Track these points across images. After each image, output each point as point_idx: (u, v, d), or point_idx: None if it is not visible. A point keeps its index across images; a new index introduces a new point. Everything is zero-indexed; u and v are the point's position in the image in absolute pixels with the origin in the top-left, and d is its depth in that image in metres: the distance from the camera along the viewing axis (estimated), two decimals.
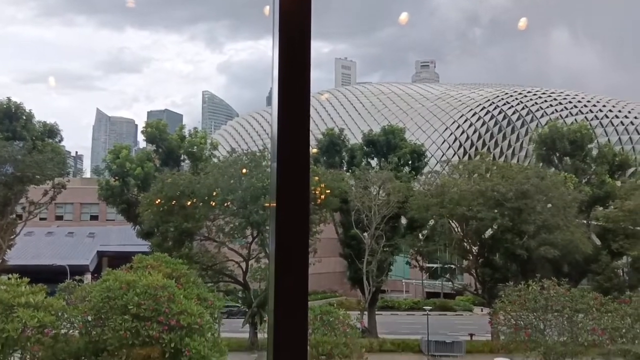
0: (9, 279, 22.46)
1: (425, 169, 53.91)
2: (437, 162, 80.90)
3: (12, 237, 45.00)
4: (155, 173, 45.81)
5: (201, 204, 38.72)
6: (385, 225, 45.01)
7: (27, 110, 47.49)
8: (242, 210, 38.98)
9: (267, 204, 38.60)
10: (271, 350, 1.87)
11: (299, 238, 1.93)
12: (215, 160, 49.52)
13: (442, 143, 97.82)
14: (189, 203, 38.42)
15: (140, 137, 57.08)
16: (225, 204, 39.47)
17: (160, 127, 50.35)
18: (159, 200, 38.80)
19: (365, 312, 46.95)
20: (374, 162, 53.06)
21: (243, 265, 41.23)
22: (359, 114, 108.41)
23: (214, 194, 38.67)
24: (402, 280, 66.40)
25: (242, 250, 41.19)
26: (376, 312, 49.03)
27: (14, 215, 45.48)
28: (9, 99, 47.19)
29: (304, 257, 1.93)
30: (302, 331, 1.89)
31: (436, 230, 45.73)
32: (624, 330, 28.05)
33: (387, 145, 51.85)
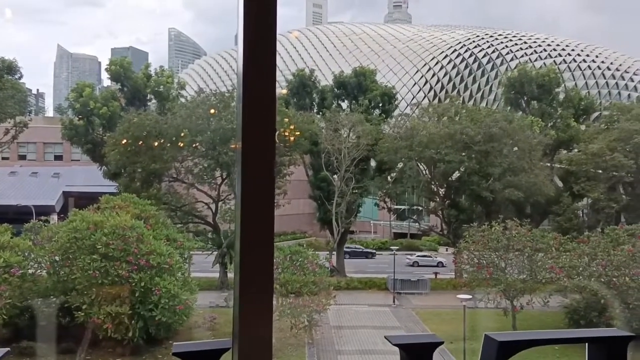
0: None
1: (396, 112, 53.93)
2: (408, 105, 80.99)
3: None
4: (121, 113, 44.77)
5: (169, 144, 38.20)
6: (355, 167, 45.32)
7: None
8: (211, 151, 38.63)
9: (233, 146, 38.28)
10: (237, 288, 1.88)
11: (265, 179, 1.90)
12: (182, 100, 48.58)
13: (413, 86, 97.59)
14: (156, 144, 37.85)
15: (104, 75, 55.39)
16: (194, 145, 39.03)
17: (125, 65, 48.81)
18: (125, 141, 38.09)
19: (334, 252, 47.93)
20: (344, 105, 52.79)
21: (212, 206, 41.26)
22: (330, 54, 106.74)
23: (182, 134, 38.12)
24: (371, 221, 67.57)
25: (211, 192, 41.10)
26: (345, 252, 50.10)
27: None
28: None
29: (269, 197, 1.91)
30: (268, 270, 1.90)
31: (404, 173, 46.30)
32: (580, 269, 29.36)
33: (358, 87, 51.49)
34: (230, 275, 39.43)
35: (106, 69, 49.93)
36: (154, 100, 49.33)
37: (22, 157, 61.73)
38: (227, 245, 39.26)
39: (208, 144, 38.75)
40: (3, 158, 52.50)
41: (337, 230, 46.30)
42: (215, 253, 40.24)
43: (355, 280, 44.18)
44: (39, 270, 22.94)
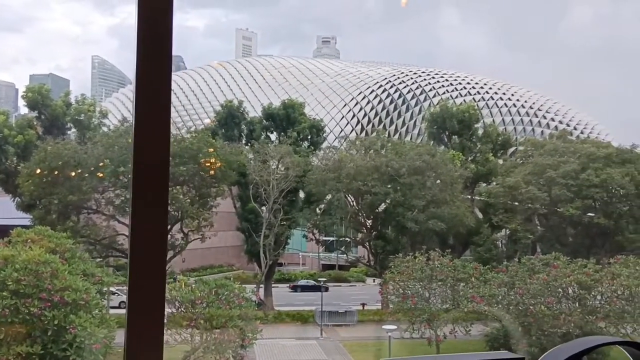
0: None
1: (324, 144, 54.67)
2: (336, 137, 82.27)
3: None
4: (37, 141, 42.76)
5: (87, 175, 36.75)
6: (284, 199, 45.30)
7: None
8: None
9: None
10: (126, 324, 1.81)
11: (157, 213, 1.85)
12: (105, 129, 47.06)
13: (341, 119, 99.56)
14: (73, 174, 36.32)
15: (21, 102, 52.94)
16: (117, 176, 37.74)
17: (43, 92, 46.90)
18: (40, 171, 36.33)
19: (262, 285, 47.29)
20: (273, 136, 52.95)
21: None
22: (259, 86, 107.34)
23: (101, 164, 36.81)
24: (299, 253, 67.42)
25: None
26: (272, 285, 49.53)
27: None
28: None
29: (162, 232, 1.86)
30: (159, 309, 1.83)
31: (333, 204, 46.77)
32: (500, 297, 30.47)
33: (286, 119, 51.88)
34: None
35: (23, 96, 47.78)
36: (73, 129, 47.51)
37: None
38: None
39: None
40: None
41: (265, 263, 45.81)
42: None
43: (283, 314, 43.69)
44: None
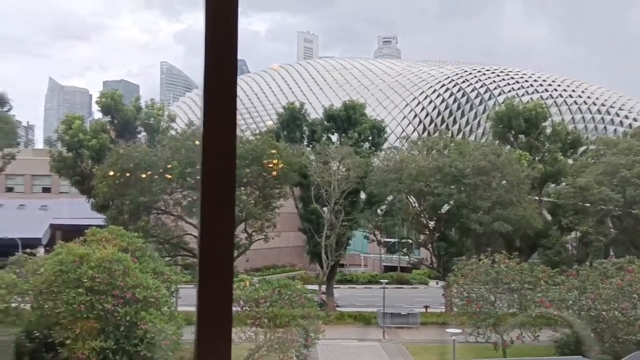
0: None
1: (385, 145, 54.33)
2: (397, 138, 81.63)
3: None
4: (110, 145, 44.72)
5: (157, 177, 38.08)
6: (345, 200, 45.34)
7: None
8: None
9: None
10: (196, 334, 1.87)
11: (225, 215, 1.91)
12: (173, 132, 48.65)
13: (402, 119, 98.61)
14: (144, 176, 37.73)
15: (95, 108, 55.60)
16: (184, 178, 38.92)
17: (116, 98, 49.02)
18: (113, 173, 37.96)
19: (324, 286, 47.53)
20: (334, 137, 53.09)
21: None
22: (321, 88, 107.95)
23: (171, 167, 38.06)
24: (360, 254, 67.26)
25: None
26: (334, 286, 49.68)
27: None
28: None
29: (229, 237, 1.92)
30: (227, 308, 1.89)
31: (394, 206, 46.35)
32: (570, 302, 29.25)
33: (347, 120, 51.90)
34: None
35: (97, 102, 50.10)
36: (143, 133, 49.41)
37: (10, 190, 61.31)
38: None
39: (198, 176, 38.61)
40: None
41: (326, 264, 46.00)
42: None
43: (345, 315, 43.72)
44: (22, 304, 22.51)
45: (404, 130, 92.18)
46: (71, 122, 47.47)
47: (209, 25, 1.93)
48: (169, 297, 25.21)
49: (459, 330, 29.17)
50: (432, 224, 47.36)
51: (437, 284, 53.03)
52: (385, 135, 55.72)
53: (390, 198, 47.09)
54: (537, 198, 48.86)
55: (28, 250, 31.50)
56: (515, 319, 29.63)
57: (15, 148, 47.10)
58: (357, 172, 44.75)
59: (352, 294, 54.09)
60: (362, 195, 49.24)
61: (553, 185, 51.40)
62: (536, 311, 29.38)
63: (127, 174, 37.62)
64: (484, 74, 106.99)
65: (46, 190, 62.35)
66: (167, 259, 36.96)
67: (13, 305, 21.64)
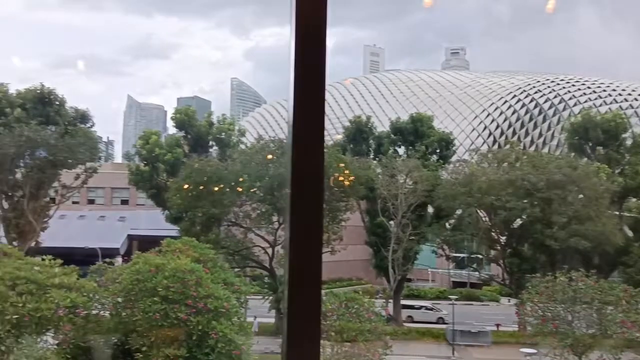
0: (42, 260, 23.09)
1: (454, 158, 53.36)
2: (466, 150, 79.82)
3: (45, 219, 46.20)
4: (184, 159, 46.39)
5: (228, 190, 39.09)
6: (412, 213, 44.80)
7: (60, 96, 48.43)
8: (269, 196, 39.23)
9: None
10: (285, 334, 1.92)
11: (314, 225, 1.96)
12: (242, 146, 49.88)
13: (472, 131, 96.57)
14: (216, 189, 38.82)
15: (170, 123, 57.93)
16: (252, 190, 39.77)
17: (190, 114, 50.90)
18: (187, 186, 39.30)
19: (391, 300, 47.01)
20: (401, 150, 52.74)
21: (269, 251, 41.59)
22: (387, 101, 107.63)
23: (241, 180, 38.99)
24: (428, 269, 66.08)
25: (268, 237, 41.52)
26: (401, 301, 49.02)
27: (48, 199, 46.65)
28: (42, 84, 48.16)
29: (317, 243, 1.97)
30: (316, 317, 1.93)
31: (463, 220, 45.33)
32: None
33: (414, 133, 51.44)
34: None
35: (172, 118, 52.21)
36: (215, 147, 50.93)
37: (91, 202, 64.68)
38: (283, 290, 39.26)
39: (266, 189, 39.42)
40: (73, 202, 55.12)
41: (393, 278, 45.51)
42: (271, 298, 40.28)
43: (413, 330, 43.00)
44: (102, 312, 23.54)
45: (472, 143, 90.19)
46: (148, 137, 49.66)
47: (298, 40, 2.00)
48: (238, 307, 25.66)
49: (534, 351, 28.05)
50: (503, 239, 45.90)
51: (509, 301, 51.19)
52: (453, 148, 54.78)
53: (459, 212, 46.11)
54: (617, 213, 46.35)
55: (107, 260, 33.06)
56: (594, 340, 28.14)
57: (97, 162, 49.66)
58: (424, 185, 44.17)
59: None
60: (430, 209, 48.48)
61: (634, 199, 48.66)
62: (617, 332, 27.80)
63: (200, 187, 38.84)
64: (558, 83, 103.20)
65: (124, 202, 65.40)
66: (236, 270, 37.73)
67: (94, 312, 22.64)
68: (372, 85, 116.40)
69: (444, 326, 43.28)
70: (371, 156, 52.34)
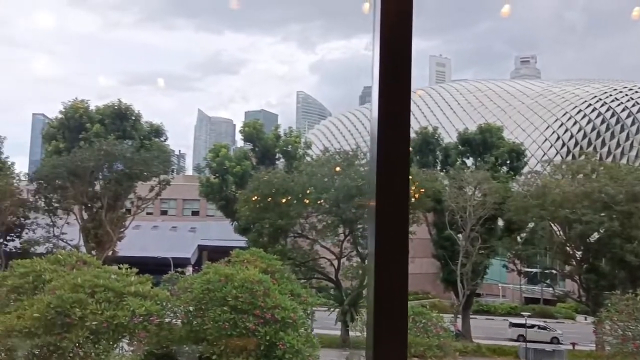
0: (119, 268, 24.07)
1: (525, 169, 51.63)
2: (538, 162, 77.23)
3: (121, 229, 48.27)
4: (252, 171, 47.33)
5: (295, 201, 39.48)
6: (481, 227, 43.63)
7: (136, 111, 50.72)
8: (335, 208, 39.31)
9: (361, 203, 38.66)
10: (371, 348, 1.90)
11: (399, 237, 1.94)
12: (308, 159, 50.35)
13: (544, 142, 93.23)
14: (283, 200, 39.32)
15: (238, 136, 59.30)
16: (319, 202, 40.00)
17: (257, 127, 51.99)
18: (255, 198, 40.03)
19: (459, 316, 45.84)
20: (469, 162, 51.63)
21: (335, 262, 41.59)
22: (454, 112, 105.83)
23: (308, 192, 39.30)
24: (499, 284, 64.04)
25: (334, 248, 41.56)
26: (470, 316, 47.69)
27: (124, 210, 48.78)
28: (119, 100, 50.64)
29: (403, 256, 1.94)
30: (402, 331, 1.90)
31: (536, 234, 43.72)
32: None
33: (483, 144, 50.24)
34: (352, 333, 39.05)
35: (240, 131, 53.49)
36: (282, 159, 51.69)
37: (164, 213, 67.11)
38: (349, 302, 39.12)
39: (332, 201, 39.55)
40: (147, 213, 57.31)
41: (462, 292, 44.39)
42: (337, 310, 40.20)
43: (482, 347, 41.71)
44: (174, 320, 24.22)
45: (545, 154, 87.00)
46: (218, 150, 51.07)
47: (383, 52, 1.99)
48: (305, 319, 25.75)
49: None
50: (579, 254, 43.84)
51: (585, 319, 48.76)
52: (524, 159, 53.05)
53: (531, 225, 44.50)
54: None
55: (179, 269, 34.11)
56: None
57: (169, 175, 51.52)
58: (494, 197, 42.96)
59: (489, 326, 51.48)
60: (500, 222, 47.06)
61: None
62: None
63: (268, 199, 39.46)
64: (637, 91, 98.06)
65: (195, 213, 67.46)
66: (302, 281, 37.96)
67: (166, 320, 23.33)
68: (438, 95, 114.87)
69: (516, 344, 41.69)
70: (438, 168, 51.50)
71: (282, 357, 21.82)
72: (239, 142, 61.09)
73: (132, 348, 22.35)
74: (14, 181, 47.45)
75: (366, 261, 41.38)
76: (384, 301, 1.90)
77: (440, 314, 31.53)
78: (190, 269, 48.11)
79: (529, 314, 45.16)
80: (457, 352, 28.86)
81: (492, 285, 62.93)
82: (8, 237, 45.87)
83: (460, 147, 51.82)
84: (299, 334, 23.05)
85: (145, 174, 45.94)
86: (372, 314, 1.91)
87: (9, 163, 51.39)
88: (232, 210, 46.20)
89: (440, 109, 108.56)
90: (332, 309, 40.50)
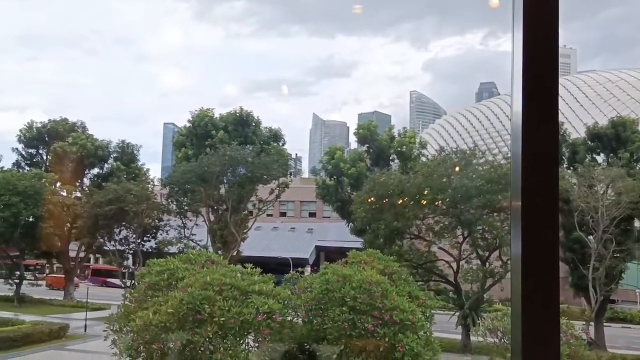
0: (244, 268, 25.21)
1: None
2: None
3: (245, 231, 50.63)
4: (366, 172, 47.51)
5: (411, 202, 39.03)
6: (615, 228, 40.36)
7: (256, 117, 52.96)
8: (452, 209, 38.31)
9: (479, 204, 37.36)
10: (519, 355, 1.81)
11: (549, 239, 1.83)
12: (424, 159, 49.56)
13: None
14: (399, 202, 39.02)
15: (352, 138, 59.87)
16: (435, 203, 39.22)
17: (371, 129, 52.12)
18: (370, 199, 40.11)
19: (591, 323, 42.72)
20: (599, 158, 48.03)
21: (454, 265, 40.53)
22: (581, 105, 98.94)
23: (424, 192, 38.68)
24: (636, 290, 58.84)
25: (452, 250, 40.51)
26: (604, 324, 44.26)
27: (246, 212, 51.13)
28: (241, 108, 53.20)
29: (554, 260, 1.83)
30: (554, 339, 1.80)
31: None
32: None
33: (616, 139, 46.51)
34: (473, 338, 37.80)
35: (354, 133, 53.94)
36: (396, 160, 51.36)
37: (283, 214, 69.44)
38: (470, 306, 37.93)
39: (449, 201, 38.58)
40: (268, 215, 59.60)
41: (594, 298, 41.34)
42: (457, 314, 39.15)
43: (618, 357, 38.51)
44: (295, 318, 24.89)
45: None
46: (333, 152, 51.90)
47: (527, 41, 1.90)
48: (424, 321, 25.34)
49: None
50: None
51: None
52: None
53: None
54: None
55: (299, 269, 35.01)
56: None
57: (288, 177, 53.22)
58: (630, 196, 39.55)
59: (625, 334, 47.48)
60: (637, 223, 43.24)
61: None
62: None
63: (383, 200, 39.38)
64: None
65: (312, 214, 69.06)
66: (419, 283, 37.39)
67: (288, 318, 24.04)
68: (563, 89, 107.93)
69: None
70: (564, 165, 48.42)
71: (401, 359, 21.64)
72: (353, 144, 61.66)
73: (256, 344, 23.27)
74: (149, 186, 51.57)
75: (487, 264, 39.91)
76: (534, 308, 1.81)
77: (570, 321, 29.57)
78: (308, 269, 49.29)
79: None
80: None
81: (628, 291, 57.98)
82: (145, 238, 49.88)
83: (589, 142, 48.37)
84: (418, 337, 22.70)
85: (266, 177, 47.83)
86: (520, 323, 1.83)
87: (145, 169, 56.07)
88: (348, 211, 46.67)
89: (566, 103, 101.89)
90: (453, 313, 39.50)
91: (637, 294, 60.48)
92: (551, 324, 1.80)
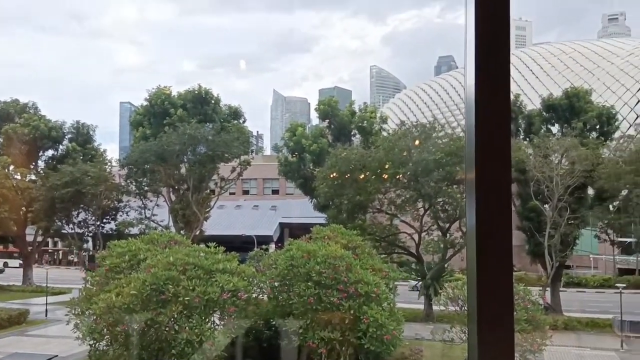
0: (207, 247, 25.12)
1: (617, 134, 48.62)
2: (631, 125, 72.49)
3: (207, 210, 50.22)
4: (328, 148, 47.59)
5: (373, 177, 39.38)
6: (570, 196, 41.68)
7: (215, 95, 52.16)
8: (413, 183, 38.85)
9: (439, 177, 37.96)
10: (475, 323, 1.86)
11: (502, 209, 1.87)
12: (385, 134, 49.90)
13: (637, 104, 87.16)
14: (361, 176, 39.32)
15: (313, 114, 59.72)
16: (397, 177, 39.68)
17: (332, 104, 52.05)
18: (333, 175, 40.28)
19: (548, 289, 44.32)
20: (554, 129, 49.22)
21: (415, 237, 41.28)
22: (537, 77, 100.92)
23: (385, 167, 39.06)
24: (590, 255, 61.15)
25: (414, 223, 41.20)
26: (560, 289, 46.00)
27: (208, 191, 50.66)
28: (199, 85, 52.25)
29: (507, 229, 1.88)
30: (509, 307, 1.85)
31: (630, 201, 41.25)
32: None
33: (570, 109, 47.68)
34: (436, 307, 38.79)
35: (315, 109, 53.78)
36: (358, 135, 51.56)
37: (246, 192, 69.10)
38: (431, 277, 38.80)
39: (410, 175, 39.08)
40: (230, 193, 59.21)
41: (550, 265, 42.82)
42: (419, 284, 40.02)
43: (574, 320, 40.18)
44: (260, 295, 25.07)
45: (638, 116, 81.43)
46: (295, 129, 51.70)
47: (479, 21, 1.90)
48: (388, 293, 25.86)
49: None
50: None
51: None
52: (616, 123, 49.85)
53: (624, 193, 42.03)
54: None
55: (263, 247, 35.05)
56: None
57: (249, 155, 52.84)
58: (583, 165, 40.83)
59: (580, 299, 49.45)
60: (590, 191, 44.76)
61: None
62: None
63: (345, 175, 39.61)
64: None
65: (275, 192, 68.98)
66: (382, 256, 38.01)
67: (253, 295, 24.18)
68: (519, 61, 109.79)
69: (609, 316, 39.81)
70: (521, 137, 49.49)
71: (366, 330, 22.11)
72: (315, 120, 61.55)
73: (222, 322, 23.36)
74: (107, 167, 50.42)
75: (448, 235, 40.79)
76: (489, 277, 1.85)
77: (528, 287, 30.60)
78: (273, 246, 49.40)
79: (624, 285, 42.84)
80: (547, 326, 27.98)
81: (582, 257, 60.20)
82: (104, 220, 48.96)
83: (544, 113, 49.46)
84: (382, 308, 23.23)
85: (227, 155, 47.36)
86: (476, 290, 1.87)
87: (101, 150, 54.71)
88: (311, 187, 46.79)
89: (521, 75, 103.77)
90: (415, 285, 40.30)
91: (591, 259, 62.92)
92: (505, 289, 1.85)
